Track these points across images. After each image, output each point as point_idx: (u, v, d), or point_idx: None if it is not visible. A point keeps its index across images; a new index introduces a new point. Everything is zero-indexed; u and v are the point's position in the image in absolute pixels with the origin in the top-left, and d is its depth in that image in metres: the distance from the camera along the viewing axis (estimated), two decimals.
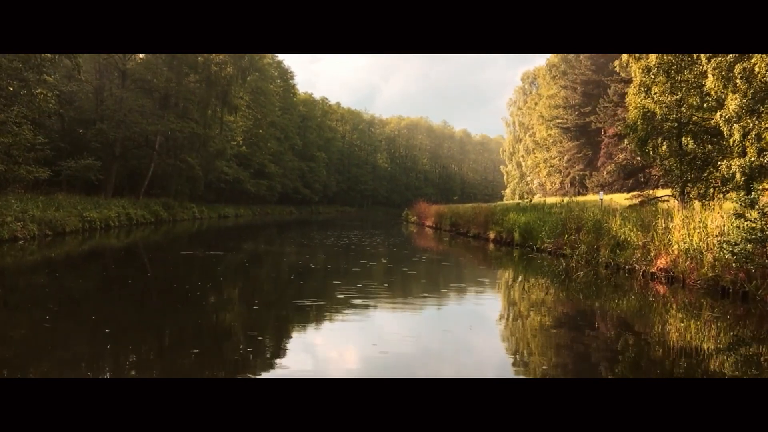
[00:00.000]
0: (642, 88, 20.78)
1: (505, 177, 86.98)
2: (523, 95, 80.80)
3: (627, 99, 23.25)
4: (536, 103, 68.05)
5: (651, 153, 21.37)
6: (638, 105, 21.03)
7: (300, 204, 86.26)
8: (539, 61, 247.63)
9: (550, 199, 35.81)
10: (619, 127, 32.38)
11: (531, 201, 30.06)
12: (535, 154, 64.56)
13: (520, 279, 15.08)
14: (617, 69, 49.03)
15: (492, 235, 27.59)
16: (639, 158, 47.76)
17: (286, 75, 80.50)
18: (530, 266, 17.23)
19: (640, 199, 22.91)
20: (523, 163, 76.29)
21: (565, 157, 56.75)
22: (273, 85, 76.35)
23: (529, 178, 74.03)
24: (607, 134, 48.70)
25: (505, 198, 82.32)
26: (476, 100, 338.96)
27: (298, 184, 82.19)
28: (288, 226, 45.64)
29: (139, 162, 43.72)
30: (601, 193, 23.42)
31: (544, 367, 6.54)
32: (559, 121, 56.47)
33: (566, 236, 17.39)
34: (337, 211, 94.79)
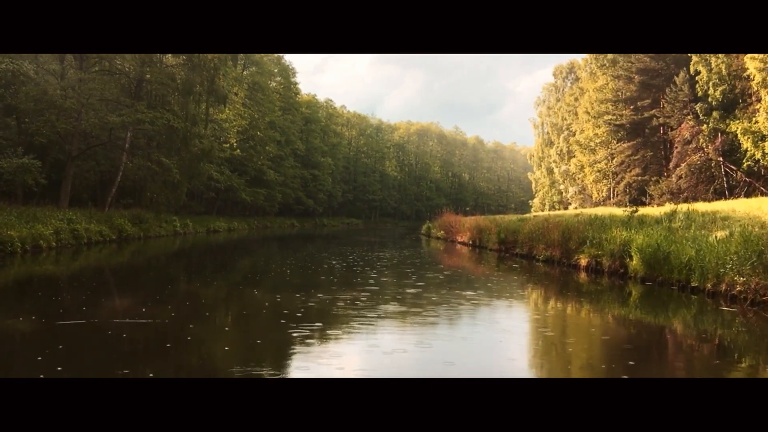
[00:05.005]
0: None
1: (533, 185, 77.68)
2: (555, 92, 71.77)
3: None
4: (576, 99, 59.33)
5: None
6: None
7: (302, 216, 77.70)
8: (542, 67, 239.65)
9: (643, 210, 27.24)
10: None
11: (636, 212, 21.40)
12: (576, 156, 55.64)
13: None
14: None
15: (583, 262, 19.06)
16: (721, 159, 39.24)
17: (287, 72, 71.93)
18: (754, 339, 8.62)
19: None
20: (556, 169, 67.31)
21: (615, 160, 48.09)
22: (273, 82, 68.09)
23: (562, 186, 65.11)
24: (677, 130, 40.12)
25: (533, 208, 73.40)
26: (481, 109, 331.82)
27: (300, 194, 73.51)
28: (289, 242, 37.04)
29: (107, 164, 35.13)
30: None
31: None
32: (609, 117, 47.87)
33: None
34: (343, 224, 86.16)
